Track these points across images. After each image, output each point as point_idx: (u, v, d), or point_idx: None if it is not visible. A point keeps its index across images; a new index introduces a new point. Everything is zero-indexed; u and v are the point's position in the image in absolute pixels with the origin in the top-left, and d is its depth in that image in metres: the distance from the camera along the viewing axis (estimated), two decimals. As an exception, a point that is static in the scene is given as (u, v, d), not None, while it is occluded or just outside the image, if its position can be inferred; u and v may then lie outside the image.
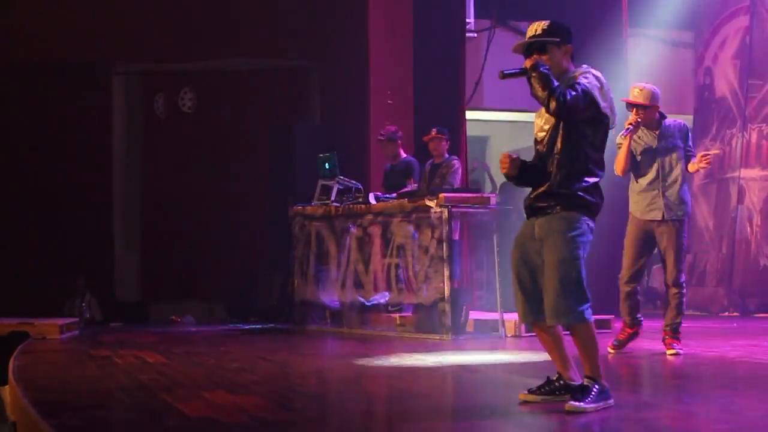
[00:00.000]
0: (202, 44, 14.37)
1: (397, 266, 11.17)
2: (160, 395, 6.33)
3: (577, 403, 5.51)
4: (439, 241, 10.43)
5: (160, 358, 8.66)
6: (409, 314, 11.29)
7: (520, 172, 5.80)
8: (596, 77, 5.71)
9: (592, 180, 5.69)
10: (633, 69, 14.12)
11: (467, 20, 14.17)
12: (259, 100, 14.61)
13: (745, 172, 14.17)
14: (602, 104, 5.65)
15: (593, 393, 5.53)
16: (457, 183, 11.51)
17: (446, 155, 11.71)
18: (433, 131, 11.74)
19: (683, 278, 8.57)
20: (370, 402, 6.52)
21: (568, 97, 5.54)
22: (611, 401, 5.58)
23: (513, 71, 5.89)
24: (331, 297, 11.93)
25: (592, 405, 5.49)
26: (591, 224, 5.71)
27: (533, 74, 5.66)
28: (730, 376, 7.23)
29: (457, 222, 11.23)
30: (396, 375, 7.85)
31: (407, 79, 13.50)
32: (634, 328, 8.71)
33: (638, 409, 5.61)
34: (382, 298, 11.40)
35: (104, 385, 7.12)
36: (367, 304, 11.53)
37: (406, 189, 11.36)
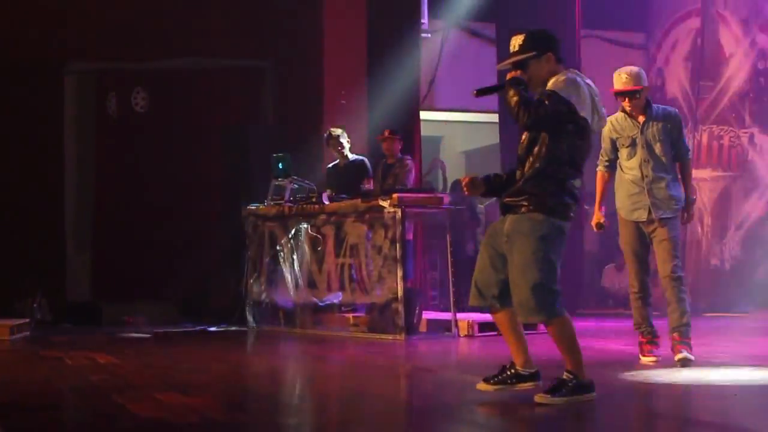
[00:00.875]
0: (155, 43, 14.28)
1: (351, 266, 11.17)
2: (111, 396, 6.29)
3: (545, 395, 5.61)
4: (393, 241, 10.43)
5: (112, 359, 8.61)
6: (362, 314, 11.29)
7: (487, 187, 5.88)
8: (573, 81, 5.74)
9: (564, 182, 5.74)
10: (585, 70, 14.20)
11: (422, 21, 14.20)
12: (213, 100, 14.54)
13: (696, 173, 14.26)
14: (579, 110, 5.69)
15: (567, 387, 5.61)
16: (410, 183, 11.53)
17: (399, 155, 11.73)
18: (386, 132, 11.76)
19: (680, 272, 7.93)
20: (324, 402, 6.51)
21: (535, 117, 5.63)
22: (590, 395, 5.64)
23: (487, 88, 6.00)
24: (284, 297, 11.91)
25: (562, 398, 5.57)
26: (560, 225, 5.75)
27: (506, 93, 5.73)
28: (682, 376, 7.27)
29: (411, 222, 11.25)
30: (349, 375, 7.85)
31: (361, 79, 13.51)
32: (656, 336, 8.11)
33: (590, 410, 5.63)
34: (336, 298, 11.39)
35: (55, 386, 7.07)
36: (321, 304, 11.53)
37: (364, 188, 11.39)
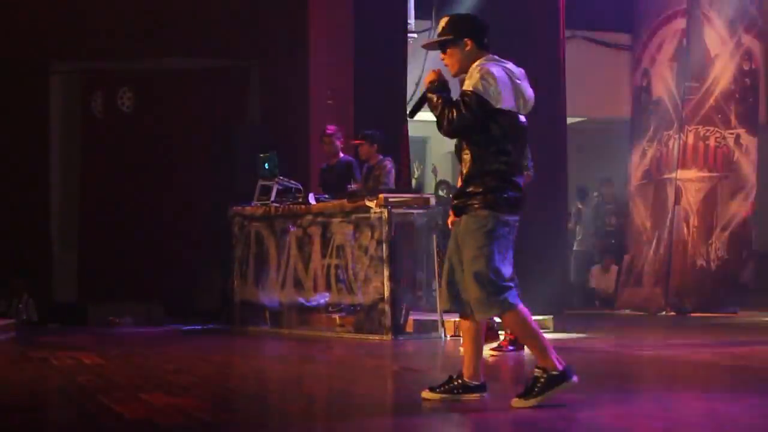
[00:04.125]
0: (141, 43, 14.25)
1: (337, 267, 11.17)
2: (97, 397, 6.27)
3: (519, 399, 5.61)
4: (379, 242, 10.44)
5: (98, 360, 8.59)
6: (348, 315, 11.28)
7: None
8: (487, 72, 5.68)
9: (504, 175, 5.70)
10: (570, 70, 14.24)
11: (408, 21, 14.19)
12: (199, 99, 14.52)
13: (681, 174, 14.31)
14: (497, 104, 5.63)
15: (539, 384, 5.59)
16: (390, 183, 11.51)
17: (379, 157, 11.70)
18: (362, 136, 11.74)
19: None
20: (310, 402, 6.51)
21: (454, 124, 5.63)
22: (565, 385, 5.61)
23: (415, 105, 6.03)
24: (270, 297, 11.90)
25: (536, 398, 5.57)
26: (507, 219, 5.71)
27: (430, 103, 5.77)
28: (667, 375, 7.30)
29: (397, 222, 11.24)
30: (336, 375, 7.85)
31: (348, 80, 13.50)
32: None
33: (576, 409, 5.64)
34: (322, 298, 11.39)
35: (41, 386, 7.06)
36: (307, 304, 11.52)
37: (350, 189, 11.38)
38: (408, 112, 6.07)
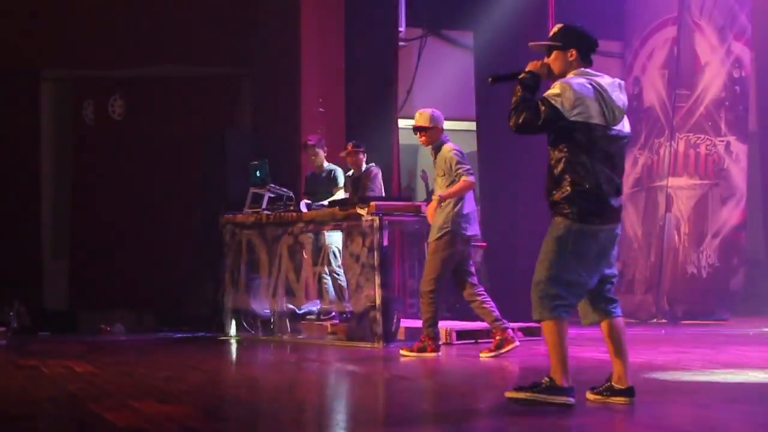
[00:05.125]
0: (132, 50, 14.26)
1: (328, 274, 11.18)
2: (88, 405, 6.27)
3: (511, 391, 5.89)
4: (370, 250, 10.43)
5: (89, 368, 8.58)
6: (340, 322, 11.28)
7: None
8: (566, 86, 5.91)
9: (574, 186, 5.89)
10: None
11: (399, 29, 14.21)
12: (190, 107, 14.53)
13: (672, 181, 14.33)
14: (569, 114, 5.84)
15: (539, 387, 5.81)
16: (377, 189, 11.50)
17: (365, 166, 11.70)
18: (349, 146, 11.73)
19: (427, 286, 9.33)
20: (302, 411, 6.50)
21: (519, 123, 5.85)
22: (561, 398, 5.77)
23: (501, 76, 6.31)
24: (262, 305, 11.90)
25: (526, 394, 5.81)
26: (580, 228, 5.87)
27: (518, 82, 6.02)
28: (658, 383, 7.30)
29: (388, 230, 11.24)
30: (328, 383, 7.85)
31: (339, 87, 13.51)
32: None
33: (565, 416, 5.65)
34: (314, 306, 11.39)
35: (32, 395, 7.04)
36: (299, 312, 11.52)
37: (333, 197, 11.40)
38: (490, 78, 6.31)
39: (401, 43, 14.31)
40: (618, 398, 5.97)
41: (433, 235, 9.37)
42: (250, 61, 14.64)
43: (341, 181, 11.87)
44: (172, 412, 5.96)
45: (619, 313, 6.19)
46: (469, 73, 14.97)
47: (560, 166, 5.91)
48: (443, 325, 10.58)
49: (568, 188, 5.88)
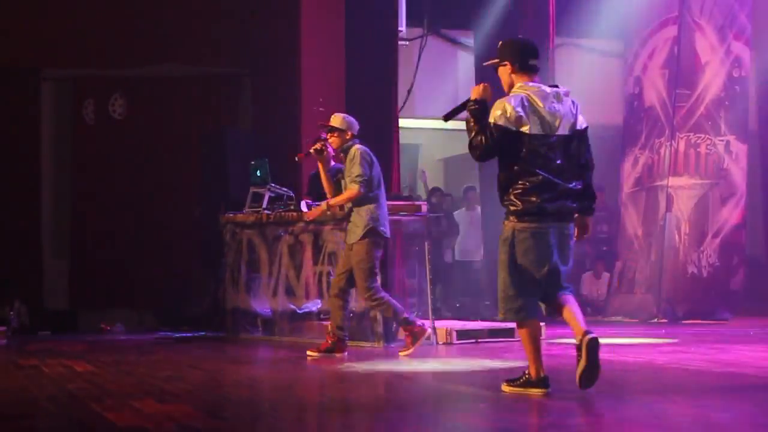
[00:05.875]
0: (133, 50, 14.27)
1: (329, 274, 11.16)
2: (89, 405, 6.27)
3: (504, 384, 6.48)
4: (371, 249, 10.39)
5: (89, 367, 8.58)
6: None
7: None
8: (510, 101, 6.29)
9: (516, 192, 6.34)
10: (561, 78, 14.24)
11: (399, 28, 14.20)
12: (191, 106, 14.53)
13: (673, 181, 14.33)
14: (514, 126, 6.25)
15: (520, 381, 6.39)
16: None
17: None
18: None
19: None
20: (302, 410, 6.50)
21: (481, 149, 6.28)
22: (537, 390, 6.26)
23: (452, 112, 6.59)
24: (262, 305, 11.90)
25: (510, 389, 6.38)
26: (522, 228, 6.35)
27: (466, 121, 6.38)
28: (659, 382, 7.30)
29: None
30: (328, 383, 7.84)
31: (339, 87, 13.49)
32: None
33: (566, 416, 5.65)
34: (314, 305, 11.38)
35: (32, 394, 7.04)
36: (299, 311, 11.51)
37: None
38: (444, 116, 6.60)
39: (401, 43, 14.29)
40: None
41: (356, 235, 9.46)
42: (250, 60, 14.64)
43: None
44: (172, 412, 5.96)
45: (568, 292, 6.49)
46: (470, 72, 14.97)
47: (503, 174, 6.37)
48: (443, 325, 10.59)
49: (511, 194, 6.32)
